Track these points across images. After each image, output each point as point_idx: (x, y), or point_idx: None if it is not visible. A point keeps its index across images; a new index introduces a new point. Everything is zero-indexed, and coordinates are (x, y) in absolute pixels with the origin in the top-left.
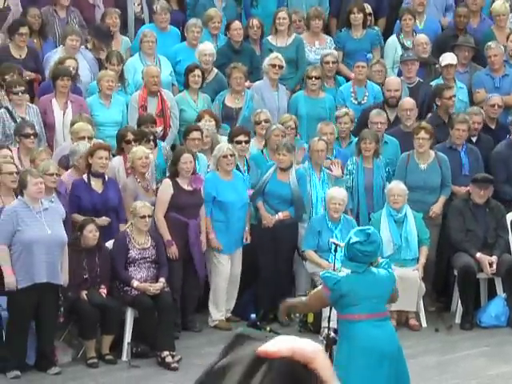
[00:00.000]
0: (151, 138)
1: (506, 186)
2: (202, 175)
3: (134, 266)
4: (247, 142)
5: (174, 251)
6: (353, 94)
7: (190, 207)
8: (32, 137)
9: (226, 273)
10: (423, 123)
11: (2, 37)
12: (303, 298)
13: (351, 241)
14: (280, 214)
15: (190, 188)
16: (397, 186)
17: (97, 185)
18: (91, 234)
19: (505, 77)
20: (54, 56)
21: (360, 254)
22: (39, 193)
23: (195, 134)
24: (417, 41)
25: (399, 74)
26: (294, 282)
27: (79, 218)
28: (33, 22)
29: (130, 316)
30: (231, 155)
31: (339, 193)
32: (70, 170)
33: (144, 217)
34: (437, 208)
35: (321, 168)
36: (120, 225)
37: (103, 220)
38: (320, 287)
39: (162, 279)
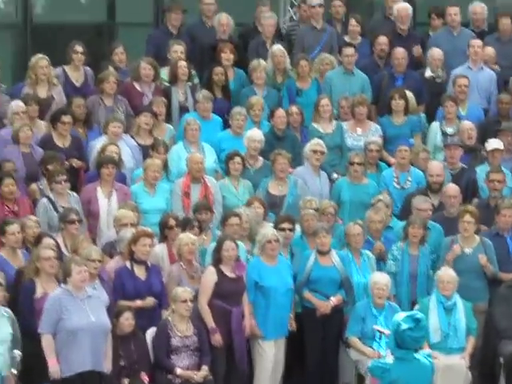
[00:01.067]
0: (195, 224)
1: None
2: (244, 262)
3: (176, 354)
4: (291, 229)
5: (218, 339)
6: (395, 179)
7: (234, 294)
8: (76, 223)
9: (269, 360)
10: (469, 207)
11: (45, 125)
12: None
13: (401, 328)
14: (333, 298)
15: (233, 275)
16: (447, 273)
17: (140, 271)
18: (127, 321)
19: None
20: (97, 144)
21: (411, 340)
22: (83, 281)
23: (234, 220)
24: (462, 127)
25: (445, 160)
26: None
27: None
28: (77, 111)
29: None
30: (276, 241)
31: (382, 278)
32: (117, 257)
33: (185, 301)
34: (467, 355)
35: (360, 253)
36: (163, 311)
37: (149, 300)
38: (368, 381)
39: (205, 367)
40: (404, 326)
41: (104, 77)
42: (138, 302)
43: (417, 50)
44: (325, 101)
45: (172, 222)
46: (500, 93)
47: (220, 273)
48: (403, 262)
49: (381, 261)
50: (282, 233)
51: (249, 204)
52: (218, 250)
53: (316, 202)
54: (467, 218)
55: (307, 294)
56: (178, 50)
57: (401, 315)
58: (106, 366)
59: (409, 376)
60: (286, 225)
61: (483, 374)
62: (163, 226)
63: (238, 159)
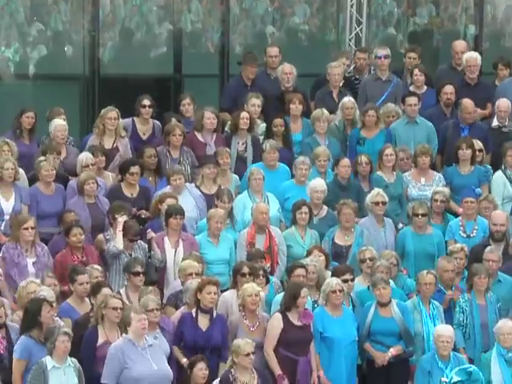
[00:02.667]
0: (261, 273)
1: None
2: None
3: None
4: (352, 280)
5: None
6: (461, 228)
7: (300, 343)
8: (141, 275)
9: None
10: None
11: (113, 176)
12: None
13: (453, 381)
14: (392, 349)
15: (299, 323)
16: (506, 324)
17: (203, 321)
18: (201, 372)
19: None
20: (160, 193)
21: None
22: (143, 329)
23: (299, 271)
24: None
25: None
26: None
27: (179, 354)
28: (148, 161)
29: None
30: (340, 290)
31: (446, 330)
32: (182, 307)
33: (248, 354)
34: None
35: (430, 302)
36: (220, 363)
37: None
38: None
39: None
40: (455, 379)
41: (170, 129)
42: (184, 360)
43: (488, 108)
44: (389, 150)
45: (246, 269)
46: None
47: (286, 320)
48: (473, 313)
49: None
50: (344, 284)
51: (309, 253)
52: (292, 297)
53: (372, 252)
54: None
55: (367, 346)
56: (255, 103)
57: (456, 368)
58: None
59: None
60: (347, 276)
61: None
62: (236, 273)
63: (305, 209)
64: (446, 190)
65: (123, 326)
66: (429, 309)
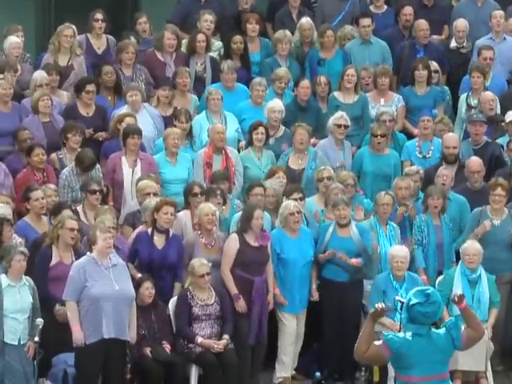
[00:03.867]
0: (218, 193)
1: None
2: (268, 232)
3: (198, 322)
4: (301, 198)
5: (242, 305)
6: (418, 148)
7: (256, 264)
8: (98, 193)
9: (291, 332)
10: (500, 180)
11: (68, 95)
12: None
13: (411, 302)
14: (354, 260)
15: (256, 244)
16: (472, 246)
17: (159, 241)
18: (147, 291)
19: None
20: (118, 113)
21: (421, 315)
22: (108, 248)
23: (258, 190)
24: (483, 98)
25: (465, 134)
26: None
27: (133, 271)
28: (106, 79)
29: (194, 373)
30: (298, 212)
31: (400, 251)
32: (141, 226)
33: (203, 276)
34: (489, 326)
35: (387, 222)
36: (176, 283)
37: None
38: (380, 343)
39: (226, 336)
40: (413, 301)
41: (123, 46)
42: (138, 276)
43: (445, 30)
44: (351, 71)
45: (197, 189)
46: None
47: (243, 241)
48: (429, 233)
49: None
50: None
51: (272, 174)
52: (246, 218)
53: (329, 171)
54: (498, 191)
55: (320, 257)
56: (208, 19)
57: (413, 290)
58: (131, 335)
59: (422, 352)
60: (295, 195)
61: (505, 346)
62: (187, 193)
63: (261, 129)
64: (391, 110)
65: (88, 245)
66: (386, 229)
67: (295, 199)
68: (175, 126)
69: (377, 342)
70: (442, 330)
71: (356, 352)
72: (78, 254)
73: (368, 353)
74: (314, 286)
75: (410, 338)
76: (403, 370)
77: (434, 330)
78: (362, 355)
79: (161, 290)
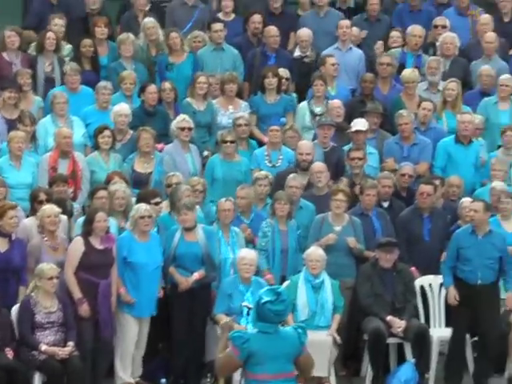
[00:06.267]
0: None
1: (403, 252)
2: (114, 235)
3: (41, 330)
4: (157, 203)
5: (85, 309)
6: (267, 157)
7: (101, 266)
8: None
9: (133, 336)
10: (341, 186)
11: None
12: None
13: (261, 301)
14: (196, 274)
15: (101, 247)
16: (315, 252)
17: (1, 244)
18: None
19: (414, 146)
20: None
21: (271, 313)
22: None
23: (102, 193)
24: (331, 105)
25: (314, 139)
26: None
27: None
28: None
29: (38, 380)
30: (149, 216)
31: (249, 253)
32: None
33: (51, 278)
34: (332, 331)
35: (229, 229)
36: (20, 287)
37: None
38: (229, 349)
39: (71, 343)
40: (264, 299)
41: None
42: None
43: (292, 38)
44: (203, 78)
45: (42, 196)
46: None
47: (88, 244)
48: (274, 238)
49: (250, 243)
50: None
51: (109, 180)
52: (89, 221)
53: (178, 177)
54: (339, 196)
55: (171, 269)
56: (58, 23)
57: (264, 289)
58: None
59: (270, 349)
60: (157, 199)
61: (347, 351)
62: (33, 200)
63: (107, 132)
64: (246, 115)
65: None
66: (228, 236)
67: (156, 203)
68: (18, 129)
69: (228, 349)
70: (288, 327)
71: (216, 367)
72: None
73: (223, 362)
74: (161, 292)
75: (257, 334)
76: (250, 367)
77: (281, 328)
78: (220, 368)
79: (5, 294)
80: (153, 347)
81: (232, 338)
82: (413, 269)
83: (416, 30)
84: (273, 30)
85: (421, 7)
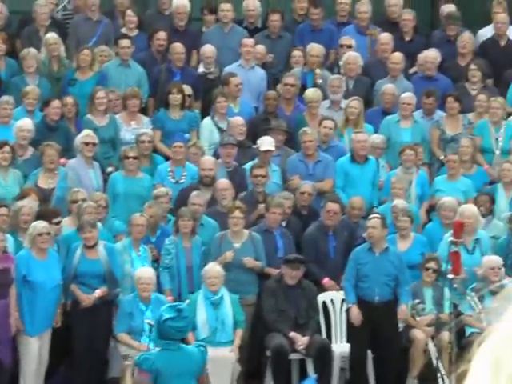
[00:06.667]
0: None
1: (314, 267)
2: (12, 254)
3: None
4: (58, 223)
5: None
6: (171, 173)
7: None
8: None
9: (34, 355)
10: (237, 202)
11: None
12: None
13: (162, 318)
14: (97, 291)
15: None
16: (213, 268)
17: None
18: None
19: (318, 163)
20: None
21: (172, 330)
22: None
23: (1, 211)
24: (233, 123)
25: (216, 156)
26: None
27: None
28: None
29: None
30: (47, 233)
31: (146, 272)
32: None
33: None
34: (235, 347)
35: (139, 244)
36: None
37: None
38: (136, 375)
39: None
40: (165, 316)
41: None
42: None
43: (194, 55)
44: (101, 93)
45: None
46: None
47: None
48: (178, 255)
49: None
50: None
51: (24, 195)
52: None
53: (83, 193)
54: (236, 213)
55: (73, 287)
56: None
57: (164, 306)
58: None
59: (174, 366)
60: (59, 218)
61: (250, 367)
62: None
63: (6, 148)
64: (150, 131)
65: None
66: (139, 251)
67: (57, 223)
68: None
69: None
70: (191, 346)
71: None
72: None
73: None
74: (58, 311)
75: (161, 352)
76: None
77: (183, 345)
78: None
79: None
80: (54, 363)
81: (139, 364)
82: (326, 280)
83: (314, 49)
84: (178, 46)
85: (322, 26)
